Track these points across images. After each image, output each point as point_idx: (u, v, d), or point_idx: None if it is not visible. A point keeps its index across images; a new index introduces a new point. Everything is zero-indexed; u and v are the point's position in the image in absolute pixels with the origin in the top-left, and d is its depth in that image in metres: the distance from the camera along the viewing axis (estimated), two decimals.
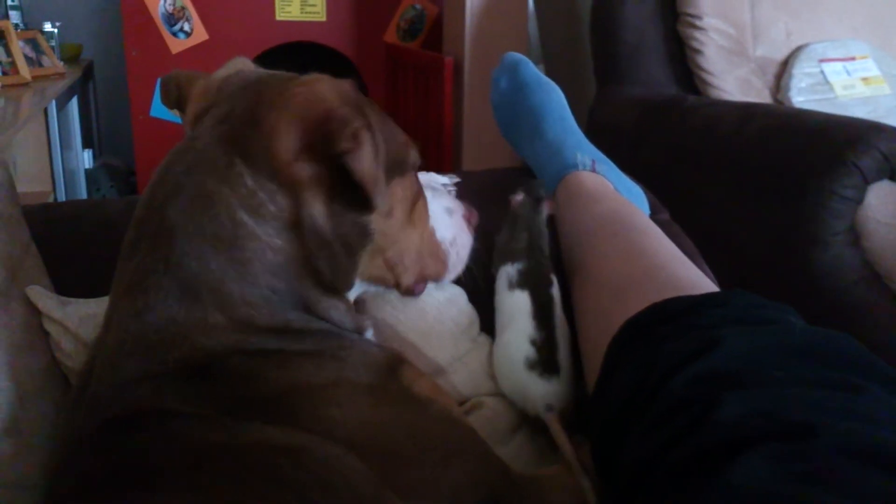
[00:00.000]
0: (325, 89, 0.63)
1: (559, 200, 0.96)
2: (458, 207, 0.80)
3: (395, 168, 0.68)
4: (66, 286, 0.87)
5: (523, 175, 1.06)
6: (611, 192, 0.94)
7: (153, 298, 0.60)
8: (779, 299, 0.65)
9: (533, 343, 0.78)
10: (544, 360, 0.78)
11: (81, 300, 0.84)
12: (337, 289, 0.67)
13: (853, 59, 1.94)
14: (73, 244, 0.93)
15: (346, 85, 0.65)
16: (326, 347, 0.62)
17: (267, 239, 0.62)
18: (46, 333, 0.81)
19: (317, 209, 0.63)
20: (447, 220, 0.78)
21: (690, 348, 0.58)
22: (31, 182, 2.19)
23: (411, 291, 0.76)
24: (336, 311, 0.67)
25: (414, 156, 0.72)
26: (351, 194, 0.62)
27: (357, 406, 0.60)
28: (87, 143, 2.80)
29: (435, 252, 0.76)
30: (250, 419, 0.55)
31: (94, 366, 0.63)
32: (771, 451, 0.47)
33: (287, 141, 0.61)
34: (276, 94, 0.63)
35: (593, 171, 0.96)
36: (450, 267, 0.78)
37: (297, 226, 0.63)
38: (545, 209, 0.90)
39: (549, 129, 1.01)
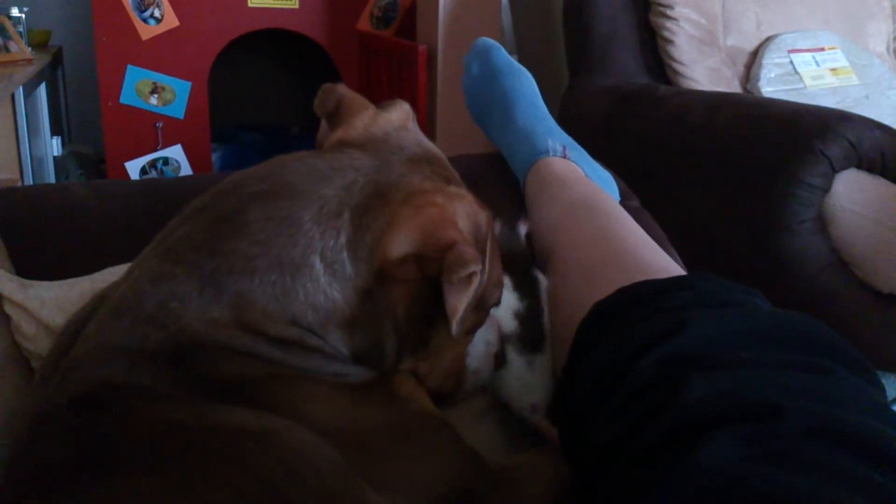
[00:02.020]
0: (461, 215, 0.61)
1: (530, 187, 0.96)
2: (495, 344, 0.77)
3: (479, 305, 0.67)
4: (29, 270, 0.86)
5: (496, 161, 1.06)
6: (581, 178, 0.94)
7: (180, 272, 0.58)
8: (747, 286, 0.65)
9: (517, 316, 0.78)
10: (528, 332, 0.77)
11: (44, 283, 0.83)
12: (364, 360, 0.64)
13: (822, 49, 1.96)
14: (35, 228, 0.92)
15: (482, 218, 0.63)
16: (324, 366, 0.61)
17: (326, 288, 0.59)
18: (7, 317, 0.80)
19: (396, 299, 0.61)
20: (481, 351, 0.76)
21: (657, 330, 0.58)
22: None
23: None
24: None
25: (497, 296, 0.70)
26: (434, 307, 0.60)
27: (337, 401, 0.59)
28: (55, 131, 2.76)
29: (456, 374, 0.73)
30: (221, 403, 0.54)
31: (81, 323, 0.62)
32: (737, 433, 0.47)
33: (400, 244, 0.59)
34: (417, 193, 0.61)
35: (564, 157, 0.96)
36: (461, 391, 0.75)
37: (366, 296, 0.60)
38: (522, 229, 0.90)
39: (520, 115, 1.01)
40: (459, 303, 0.58)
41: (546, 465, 0.69)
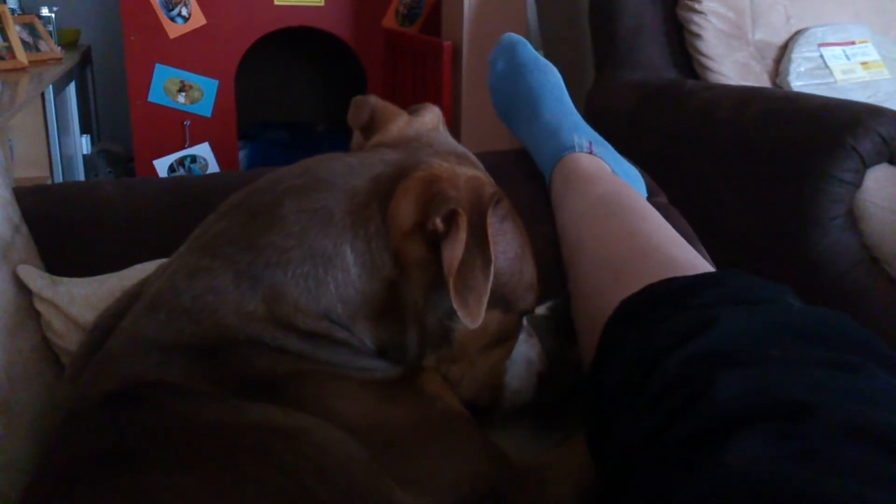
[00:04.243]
0: (457, 174, 0.62)
1: (555, 183, 0.95)
2: (539, 363, 0.75)
3: (500, 301, 0.66)
4: (58, 267, 0.87)
5: (521, 157, 1.05)
6: (608, 174, 0.93)
7: (217, 266, 0.60)
8: (776, 282, 0.64)
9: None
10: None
11: (73, 279, 0.83)
12: (389, 355, 0.64)
13: (853, 43, 1.93)
14: (65, 225, 0.93)
15: (483, 180, 0.63)
16: (352, 360, 0.61)
17: (356, 279, 0.61)
18: (37, 314, 0.81)
19: (414, 287, 0.62)
20: (522, 370, 0.73)
21: (685, 328, 0.57)
22: (29, 167, 2.18)
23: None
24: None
25: (528, 301, 0.70)
26: (450, 298, 0.60)
27: (364, 398, 0.59)
28: (85, 129, 2.79)
29: (492, 388, 0.72)
30: (251, 400, 0.54)
31: (112, 319, 0.63)
32: (767, 431, 0.47)
33: (405, 215, 0.60)
34: (421, 166, 0.62)
35: (590, 152, 0.95)
36: (498, 410, 0.73)
37: (391, 287, 0.62)
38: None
39: (545, 110, 1.01)
40: (451, 252, 0.58)
41: (573, 464, 0.68)
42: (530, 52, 1.06)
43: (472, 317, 0.59)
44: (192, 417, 0.53)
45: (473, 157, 0.71)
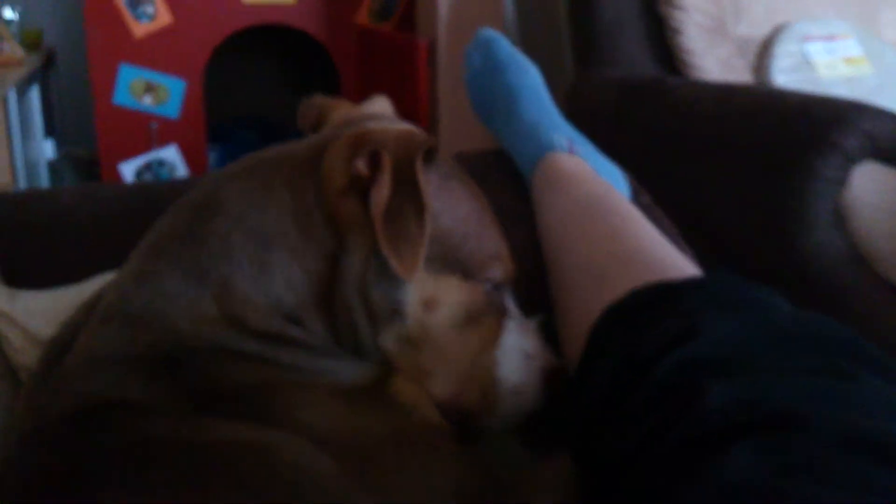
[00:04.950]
0: (388, 129, 0.61)
1: (536, 184, 0.92)
2: (543, 357, 0.68)
3: (457, 266, 0.63)
4: (19, 279, 0.85)
5: (501, 158, 1.01)
6: (590, 174, 0.90)
7: (162, 266, 0.58)
8: (763, 284, 0.63)
9: None
10: None
11: (31, 293, 0.81)
12: (344, 345, 0.62)
13: (835, 38, 1.91)
14: (24, 235, 0.90)
15: (417, 133, 0.62)
16: (313, 361, 0.59)
17: (300, 257, 0.59)
18: None
19: (355, 255, 0.60)
20: (519, 363, 0.66)
21: (672, 334, 0.56)
22: None
23: (449, 412, 0.65)
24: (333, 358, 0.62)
25: (494, 272, 0.65)
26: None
27: (334, 409, 0.57)
28: (49, 133, 2.72)
29: (486, 387, 0.65)
30: (216, 415, 0.52)
31: (70, 332, 0.61)
32: (760, 443, 0.46)
33: (335, 171, 0.59)
34: (355, 129, 0.61)
35: (571, 152, 0.92)
36: (495, 413, 0.66)
37: (333, 262, 0.59)
38: None
39: (524, 108, 0.97)
40: (378, 197, 0.56)
41: (558, 475, 0.66)
42: (508, 49, 1.03)
43: (405, 267, 0.56)
44: (152, 437, 0.50)
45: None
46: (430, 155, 0.61)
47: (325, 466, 0.51)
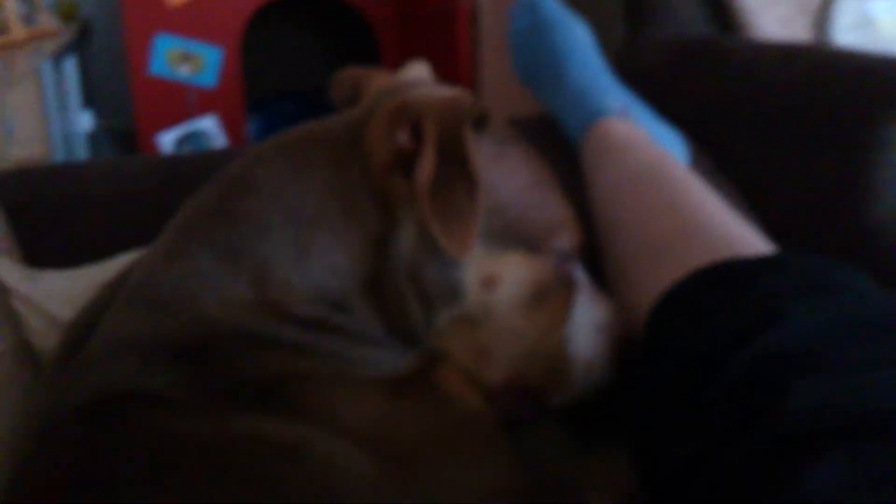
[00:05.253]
0: (433, 95, 0.55)
1: (586, 152, 0.87)
2: (614, 328, 0.63)
3: (518, 240, 0.58)
4: (42, 257, 0.82)
5: (546, 125, 0.96)
6: (646, 141, 0.85)
7: (194, 247, 0.54)
8: (830, 254, 0.59)
9: None
10: None
11: (52, 273, 0.79)
12: (396, 331, 0.57)
13: None
14: (46, 211, 0.87)
15: (465, 97, 0.56)
16: (355, 350, 0.55)
17: (346, 239, 0.55)
18: (15, 312, 0.76)
19: (406, 234, 0.55)
20: (592, 337, 0.62)
21: (748, 322, 0.50)
22: (27, 146, 2.12)
23: (495, 398, 0.60)
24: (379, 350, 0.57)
25: (561, 242, 0.60)
26: None
27: (373, 402, 0.53)
28: (87, 105, 2.72)
29: (555, 365, 0.61)
30: (245, 409, 0.48)
31: (92, 315, 0.58)
32: (852, 451, 0.41)
33: (379, 146, 0.54)
34: (395, 99, 0.56)
35: (624, 117, 0.86)
36: (564, 390, 0.62)
37: (381, 244, 0.55)
38: None
39: (573, 71, 0.92)
40: (422, 169, 0.50)
41: (614, 476, 0.62)
42: (554, 7, 0.97)
43: (456, 245, 0.51)
44: (173, 433, 0.46)
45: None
46: (480, 122, 0.56)
47: (362, 466, 0.47)
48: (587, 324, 0.62)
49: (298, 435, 0.47)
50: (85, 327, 0.58)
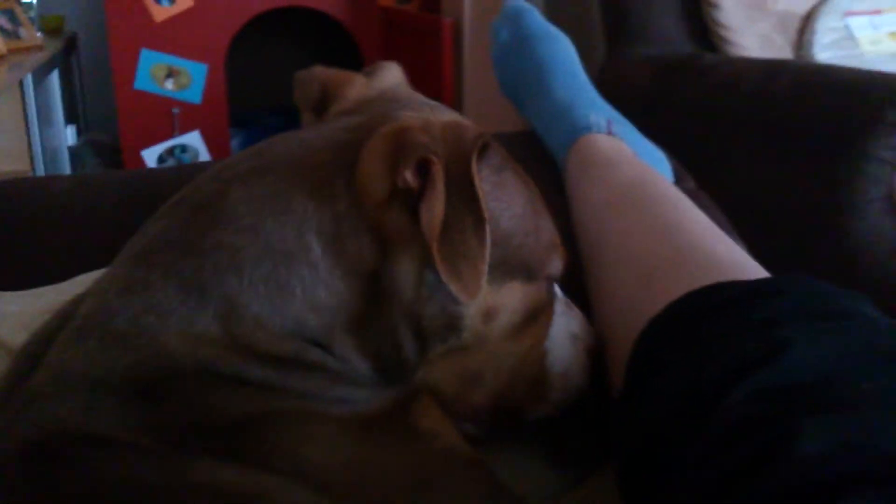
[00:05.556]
0: (430, 122, 0.51)
1: (570, 168, 0.84)
2: (585, 335, 0.63)
3: (518, 269, 0.55)
4: (2, 277, 0.78)
5: (529, 140, 0.95)
6: (630, 157, 0.82)
7: (156, 277, 0.49)
8: (811, 273, 0.54)
9: None
10: None
11: (5, 294, 0.73)
12: (384, 368, 0.54)
13: (880, 12, 1.83)
14: (10, 226, 0.83)
15: (464, 124, 0.53)
16: (329, 388, 0.51)
17: (327, 276, 0.50)
18: None
19: (403, 270, 0.51)
20: (566, 347, 0.61)
21: (748, 352, 0.46)
22: (9, 160, 2.09)
23: (472, 415, 0.58)
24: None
25: (555, 265, 0.59)
26: None
27: (344, 443, 0.48)
28: (71, 119, 2.70)
29: (535, 379, 0.59)
30: (200, 454, 0.44)
31: (42, 343, 0.53)
32: (875, 499, 0.37)
33: (375, 180, 0.50)
34: (387, 122, 0.52)
35: (609, 133, 0.84)
36: (549, 401, 0.61)
37: (373, 279, 0.51)
38: None
39: (557, 85, 0.90)
40: (432, 213, 0.47)
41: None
42: (538, 21, 0.95)
43: (468, 290, 0.48)
44: (118, 480, 0.42)
45: (451, 111, 0.60)
46: (482, 151, 0.53)
47: None
48: (564, 335, 0.61)
49: (258, 484, 0.43)
50: (34, 357, 0.53)
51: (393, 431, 0.50)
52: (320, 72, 0.65)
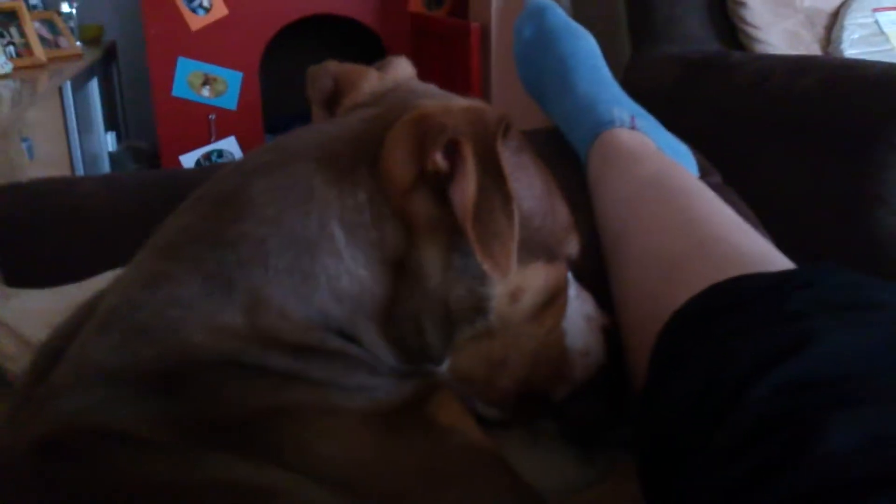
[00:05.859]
0: (451, 107, 0.52)
1: (593, 163, 0.85)
2: (598, 315, 0.65)
3: (540, 250, 0.56)
4: (28, 275, 0.78)
5: (552, 137, 0.96)
6: (654, 151, 0.82)
7: (180, 270, 0.50)
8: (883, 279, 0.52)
9: None
10: None
11: (28, 291, 0.73)
12: (408, 354, 0.54)
13: None
14: (34, 227, 0.83)
15: (484, 107, 0.53)
16: (350, 376, 0.51)
17: (351, 264, 0.51)
18: None
19: (430, 255, 0.52)
20: (581, 326, 0.63)
21: (774, 345, 0.45)
22: (49, 167, 2.13)
23: (500, 400, 0.60)
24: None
25: (572, 246, 0.60)
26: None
27: (359, 440, 0.48)
28: (111, 126, 2.76)
29: (557, 360, 0.61)
30: (217, 449, 0.44)
31: (64, 338, 0.53)
32: None
33: (401, 167, 0.50)
34: (407, 110, 0.52)
35: (633, 127, 0.84)
36: (571, 381, 0.63)
37: (397, 266, 0.52)
38: None
39: (580, 81, 0.90)
40: (466, 193, 0.47)
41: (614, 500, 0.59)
42: (561, 17, 0.95)
43: (502, 268, 0.48)
44: (134, 475, 0.42)
45: (466, 99, 0.61)
46: (505, 133, 0.53)
47: None
48: (579, 315, 0.62)
49: (271, 482, 0.43)
50: (56, 352, 0.53)
51: (412, 426, 0.51)
52: (333, 66, 0.66)
